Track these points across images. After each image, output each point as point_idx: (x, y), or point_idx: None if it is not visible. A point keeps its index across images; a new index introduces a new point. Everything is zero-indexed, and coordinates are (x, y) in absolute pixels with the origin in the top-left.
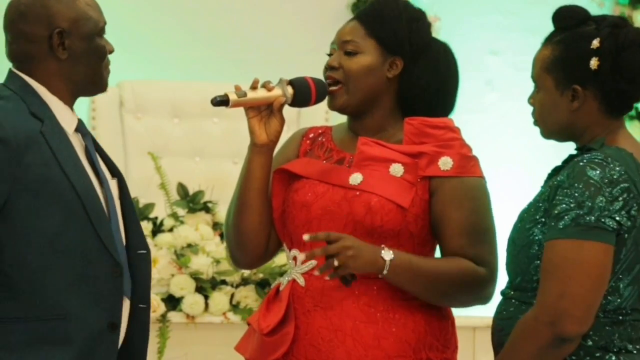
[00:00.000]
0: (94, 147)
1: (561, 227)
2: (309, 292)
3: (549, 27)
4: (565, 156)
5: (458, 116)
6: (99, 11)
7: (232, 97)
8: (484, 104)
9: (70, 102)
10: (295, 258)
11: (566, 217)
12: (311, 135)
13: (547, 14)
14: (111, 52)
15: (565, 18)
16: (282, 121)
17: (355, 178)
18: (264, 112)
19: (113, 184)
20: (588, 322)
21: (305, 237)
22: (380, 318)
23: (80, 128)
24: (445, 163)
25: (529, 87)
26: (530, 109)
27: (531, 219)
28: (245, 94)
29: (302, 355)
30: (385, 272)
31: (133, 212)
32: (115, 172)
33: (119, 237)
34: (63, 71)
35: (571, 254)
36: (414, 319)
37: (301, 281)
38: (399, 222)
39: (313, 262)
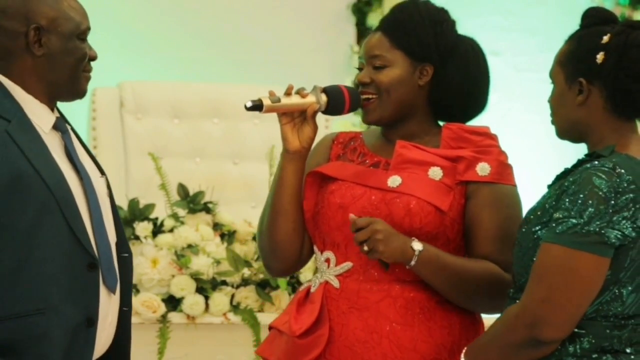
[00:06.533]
0: (73, 145)
1: (558, 232)
2: (343, 294)
3: (549, 28)
4: (565, 157)
5: None
6: (83, 15)
7: (266, 102)
8: None
9: (47, 102)
10: (328, 260)
11: (565, 223)
12: (341, 140)
13: (547, 15)
14: (93, 58)
15: (590, 17)
16: (315, 128)
17: (394, 180)
18: (297, 119)
19: (101, 182)
20: (567, 330)
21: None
22: (417, 321)
23: (59, 126)
24: (483, 169)
25: (529, 87)
26: (530, 110)
27: (537, 221)
28: (279, 100)
29: (335, 357)
30: (413, 262)
31: (117, 213)
32: (102, 171)
33: (104, 232)
34: (38, 69)
35: (563, 261)
36: (450, 323)
37: (335, 283)
38: (437, 225)
39: (348, 264)
